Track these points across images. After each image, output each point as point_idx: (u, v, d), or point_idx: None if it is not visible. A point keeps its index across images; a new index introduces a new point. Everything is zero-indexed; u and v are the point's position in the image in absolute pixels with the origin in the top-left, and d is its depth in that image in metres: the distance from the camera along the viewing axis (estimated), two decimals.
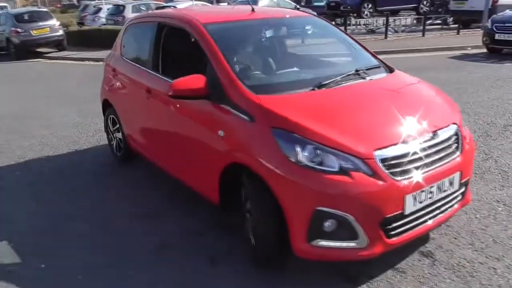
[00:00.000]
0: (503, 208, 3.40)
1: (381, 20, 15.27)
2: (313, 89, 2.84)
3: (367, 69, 3.22)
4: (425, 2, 17.46)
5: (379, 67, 3.36)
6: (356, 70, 3.15)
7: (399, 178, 2.42)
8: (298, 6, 16.29)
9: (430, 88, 3.20)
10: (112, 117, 4.58)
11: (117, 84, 4.30)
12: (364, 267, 2.70)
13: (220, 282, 2.68)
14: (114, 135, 4.65)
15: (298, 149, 2.40)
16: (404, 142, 2.51)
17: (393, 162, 2.43)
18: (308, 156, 2.38)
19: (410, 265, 2.74)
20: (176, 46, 3.65)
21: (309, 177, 2.36)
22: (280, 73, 3.20)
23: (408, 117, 2.69)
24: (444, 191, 2.67)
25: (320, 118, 2.55)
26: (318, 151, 2.39)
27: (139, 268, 2.86)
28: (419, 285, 2.56)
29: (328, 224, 2.37)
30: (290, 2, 16.90)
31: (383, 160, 2.41)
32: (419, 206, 2.53)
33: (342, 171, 2.35)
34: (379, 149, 2.43)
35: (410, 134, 2.57)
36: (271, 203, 2.51)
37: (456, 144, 2.79)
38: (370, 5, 16.13)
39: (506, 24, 10.79)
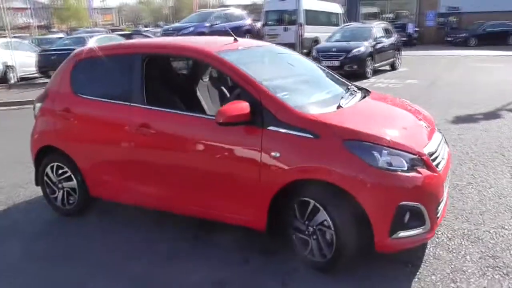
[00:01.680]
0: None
1: None
2: (339, 107, 3.19)
3: (357, 89, 3.74)
4: (247, 37, 19.40)
5: (349, 86, 3.89)
6: (348, 89, 3.64)
7: (438, 169, 2.96)
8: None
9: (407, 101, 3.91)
10: (57, 165, 3.97)
11: (75, 125, 3.78)
12: (406, 252, 3.13)
13: None
14: (60, 185, 4.01)
15: (377, 155, 2.72)
16: (430, 140, 3.10)
17: (432, 157, 2.97)
18: (385, 160, 2.73)
19: (436, 242, 3.30)
20: (181, 77, 3.50)
21: (391, 177, 2.71)
22: (305, 94, 3.42)
23: (420, 121, 3.30)
24: (448, 177, 3.35)
25: (372, 128, 2.92)
26: (390, 155, 2.75)
27: None
28: (456, 254, 3.14)
29: (407, 216, 2.75)
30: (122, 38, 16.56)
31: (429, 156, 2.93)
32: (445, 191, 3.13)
33: (410, 168, 2.77)
34: (424, 147, 2.94)
35: (430, 134, 3.17)
36: (350, 210, 2.75)
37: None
38: None
39: (328, 53, 13.00)
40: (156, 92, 3.52)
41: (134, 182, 3.59)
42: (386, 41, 14.14)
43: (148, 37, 20.01)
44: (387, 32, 14.78)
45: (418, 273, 2.94)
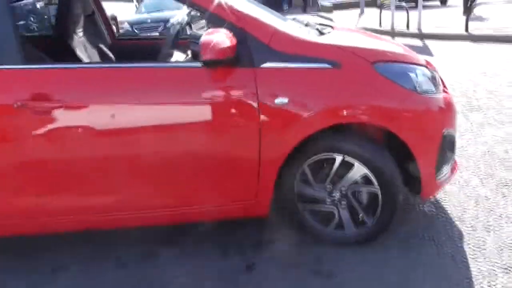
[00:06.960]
0: None
1: None
2: (322, 34, 2.41)
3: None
4: None
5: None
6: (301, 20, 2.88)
7: None
8: None
9: None
10: None
11: None
12: None
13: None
14: None
15: (413, 76, 2.11)
16: None
17: None
18: (421, 81, 2.14)
19: None
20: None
21: (431, 102, 2.17)
22: (279, 23, 2.46)
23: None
24: None
25: (384, 47, 2.33)
26: (423, 75, 2.20)
27: None
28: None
29: (447, 147, 2.25)
30: None
31: None
32: None
33: (437, 88, 2.27)
34: None
35: None
36: (393, 154, 2.12)
37: None
38: None
39: (143, 25, 11.82)
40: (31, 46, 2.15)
41: (40, 198, 2.14)
42: None
43: None
44: None
45: None
